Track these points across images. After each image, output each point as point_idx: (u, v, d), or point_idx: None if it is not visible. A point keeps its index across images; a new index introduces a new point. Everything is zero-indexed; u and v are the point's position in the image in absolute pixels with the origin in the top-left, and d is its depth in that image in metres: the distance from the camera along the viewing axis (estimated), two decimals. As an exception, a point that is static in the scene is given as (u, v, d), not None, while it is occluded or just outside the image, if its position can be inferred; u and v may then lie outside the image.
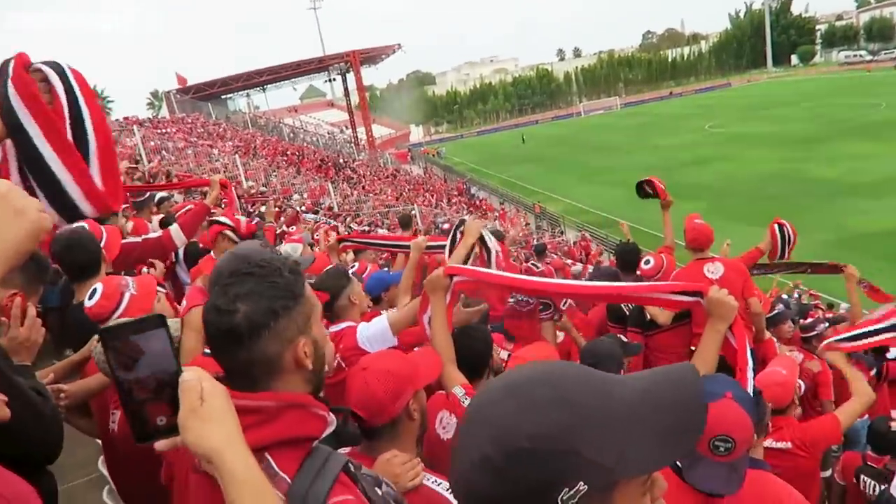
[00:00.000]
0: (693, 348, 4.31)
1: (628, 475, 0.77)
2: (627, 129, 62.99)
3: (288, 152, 35.28)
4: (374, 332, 2.72)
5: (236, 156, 23.63)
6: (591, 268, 14.65)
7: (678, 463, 1.91)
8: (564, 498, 0.73)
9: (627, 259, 4.87)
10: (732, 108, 65.43)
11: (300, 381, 1.28)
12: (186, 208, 5.81)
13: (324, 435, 1.28)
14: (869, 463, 3.91)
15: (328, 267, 3.56)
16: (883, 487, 3.62)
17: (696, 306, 2.33)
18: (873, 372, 5.42)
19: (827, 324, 5.12)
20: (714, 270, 4.30)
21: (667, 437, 0.79)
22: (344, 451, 1.93)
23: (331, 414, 1.30)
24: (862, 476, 3.85)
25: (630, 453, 0.76)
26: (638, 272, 4.69)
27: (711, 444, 1.82)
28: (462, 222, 3.03)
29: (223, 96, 55.90)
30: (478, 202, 37.12)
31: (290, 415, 1.21)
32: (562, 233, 29.65)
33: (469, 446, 0.78)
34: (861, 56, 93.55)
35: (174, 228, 4.15)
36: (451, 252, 2.95)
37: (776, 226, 5.02)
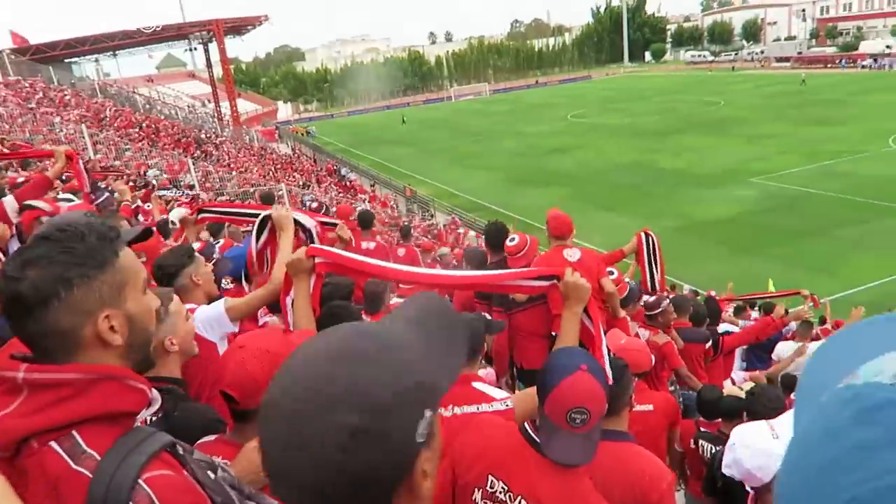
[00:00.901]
0: (554, 333, 4.56)
1: (447, 387, 0.83)
2: (496, 115, 64.61)
3: (143, 125, 32.81)
4: (209, 316, 2.57)
5: (83, 126, 21.64)
6: (456, 249, 14.97)
7: (536, 439, 1.97)
8: (422, 431, 0.76)
9: (495, 237, 5.01)
10: (593, 99, 69.11)
11: (111, 359, 1.17)
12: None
13: (144, 411, 1.19)
14: (705, 429, 4.32)
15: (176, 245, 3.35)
16: (717, 448, 4.01)
17: (552, 290, 2.43)
18: (709, 344, 5.98)
19: (668, 301, 5.56)
20: (572, 255, 4.56)
21: (452, 343, 0.88)
22: (209, 438, 1.84)
23: (154, 390, 1.20)
24: (700, 441, 4.24)
25: (444, 367, 0.83)
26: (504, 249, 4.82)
27: (568, 417, 1.88)
28: (267, 217, 3.01)
29: (67, 60, 50.89)
30: (348, 183, 36.63)
31: (101, 388, 1.11)
32: (432, 216, 29.97)
33: (327, 431, 0.71)
34: (704, 56, 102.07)
35: (8, 200, 3.75)
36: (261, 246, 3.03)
37: (643, 234, 5.33)
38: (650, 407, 3.62)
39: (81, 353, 1.14)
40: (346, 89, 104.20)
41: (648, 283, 5.26)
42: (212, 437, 1.84)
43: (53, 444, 1.07)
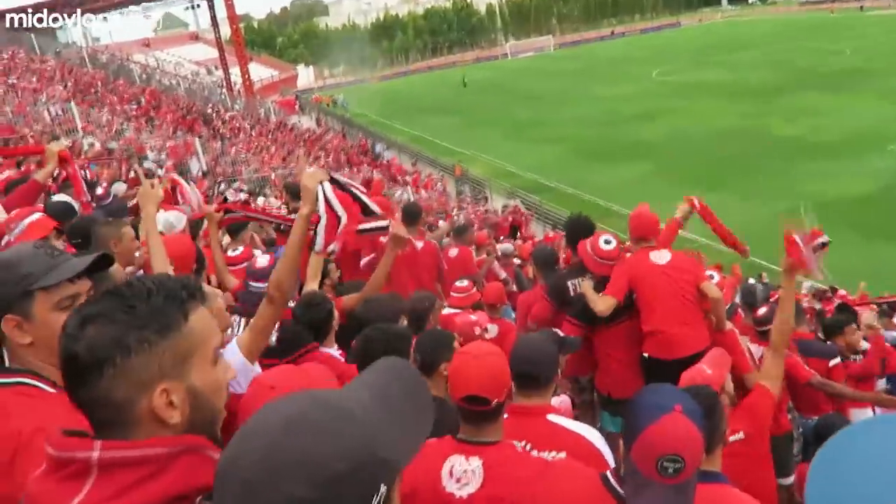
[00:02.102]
0: (645, 354, 4.51)
1: (406, 464, 0.97)
2: (563, 75, 64.16)
3: (141, 99, 33.78)
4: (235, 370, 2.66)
5: (71, 103, 22.42)
6: (517, 241, 14.91)
7: (620, 491, 2.00)
8: None
9: (578, 235, 5.01)
10: (683, 51, 67.86)
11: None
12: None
13: None
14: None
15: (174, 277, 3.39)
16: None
17: None
18: (833, 362, 5.80)
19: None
20: (660, 257, 4.56)
21: (417, 416, 1.03)
22: None
23: None
24: None
25: (403, 444, 0.97)
26: (591, 250, 4.78)
27: (659, 465, 1.90)
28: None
29: (51, 24, 52.65)
30: (385, 163, 36.94)
31: (184, 462, 1.16)
32: (486, 199, 29.96)
33: (275, 501, 0.84)
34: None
35: None
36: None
37: (695, 201, 5.34)
38: (741, 435, 3.55)
39: (135, 430, 1.17)
40: (378, 48, 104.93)
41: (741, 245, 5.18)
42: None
43: None
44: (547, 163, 33.80)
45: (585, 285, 4.58)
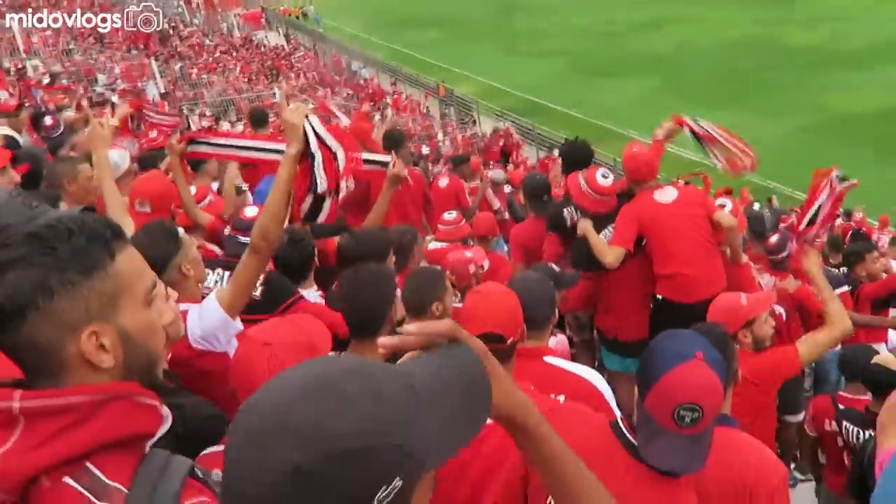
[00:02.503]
0: (659, 296, 4.59)
1: (434, 465, 0.96)
2: (559, -21, 63.04)
3: (89, 16, 32.94)
4: (212, 326, 2.64)
5: (13, 22, 21.90)
6: (510, 167, 14.87)
7: (633, 441, 2.03)
8: (380, 497, 0.86)
9: (576, 162, 5.02)
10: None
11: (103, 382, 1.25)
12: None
13: (160, 433, 1.28)
14: (847, 406, 4.30)
15: (148, 223, 3.18)
16: (868, 433, 3.99)
17: None
18: (843, 289, 5.91)
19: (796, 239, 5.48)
20: (665, 195, 4.57)
21: (461, 422, 1.00)
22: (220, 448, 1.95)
23: (165, 406, 1.30)
24: (844, 422, 4.24)
25: (437, 442, 0.94)
26: (586, 185, 4.77)
27: (676, 414, 1.91)
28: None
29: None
30: (362, 82, 36.47)
31: (111, 409, 1.20)
32: (474, 122, 29.71)
33: (271, 458, 0.83)
34: None
35: None
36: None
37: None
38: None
39: (66, 375, 1.22)
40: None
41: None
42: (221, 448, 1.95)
43: (69, 480, 1.16)
44: (541, 80, 33.46)
45: (586, 227, 4.60)
